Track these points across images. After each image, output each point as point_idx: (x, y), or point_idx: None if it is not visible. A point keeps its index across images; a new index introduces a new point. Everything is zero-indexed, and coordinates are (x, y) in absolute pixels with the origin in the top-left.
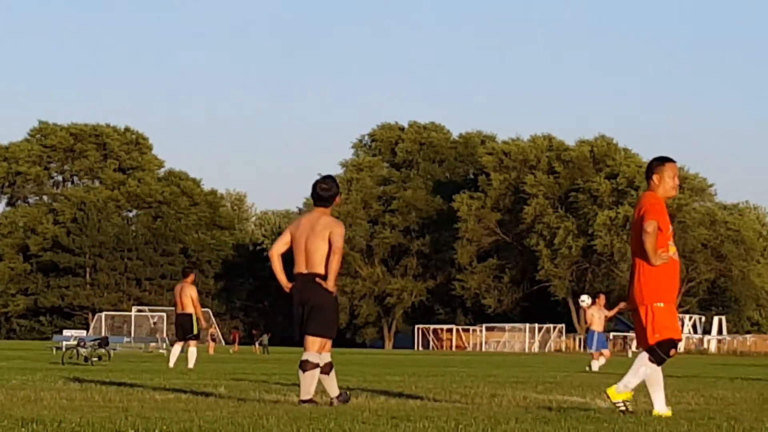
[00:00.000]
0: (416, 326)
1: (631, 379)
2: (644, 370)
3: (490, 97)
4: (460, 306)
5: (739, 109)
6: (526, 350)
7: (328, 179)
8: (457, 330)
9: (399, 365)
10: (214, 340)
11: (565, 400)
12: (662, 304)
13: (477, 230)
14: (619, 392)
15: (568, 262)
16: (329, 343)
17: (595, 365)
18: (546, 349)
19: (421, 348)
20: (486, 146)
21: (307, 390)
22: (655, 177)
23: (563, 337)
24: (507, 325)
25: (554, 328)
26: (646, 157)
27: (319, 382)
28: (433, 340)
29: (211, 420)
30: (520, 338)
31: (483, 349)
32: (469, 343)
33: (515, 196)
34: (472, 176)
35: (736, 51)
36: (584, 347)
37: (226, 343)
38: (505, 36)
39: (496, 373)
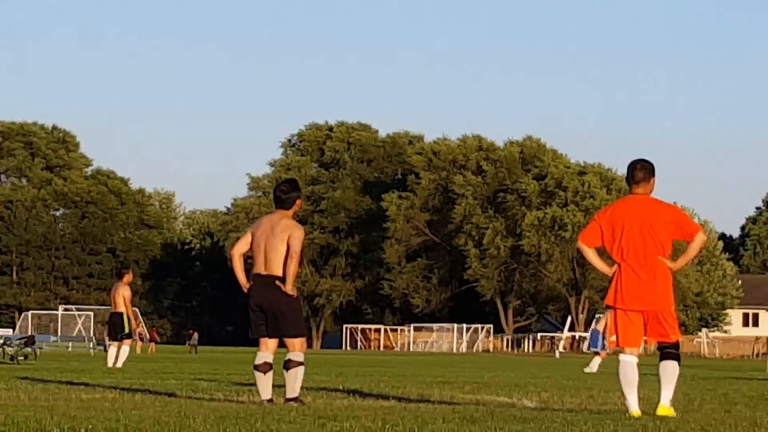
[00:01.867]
0: (344, 326)
1: (671, 390)
2: (677, 375)
3: (418, 97)
4: (388, 306)
5: (667, 110)
6: (454, 350)
7: (288, 182)
8: (385, 330)
9: (327, 365)
10: (141, 339)
11: (492, 400)
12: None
13: (406, 230)
14: (670, 406)
15: (496, 263)
16: (305, 340)
17: (596, 364)
18: (474, 349)
19: (349, 348)
20: (415, 146)
21: (292, 388)
22: (653, 181)
23: (491, 338)
24: (435, 325)
25: (482, 328)
26: (575, 158)
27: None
28: (361, 340)
29: (137, 419)
30: (448, 338)
31: (411, 349)
32: (397, 343)
33: (444, 196)
34: (400, 176)
35: (666, 50)
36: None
37: (151, 340)
38: (433, 35)
39: (423, 373)
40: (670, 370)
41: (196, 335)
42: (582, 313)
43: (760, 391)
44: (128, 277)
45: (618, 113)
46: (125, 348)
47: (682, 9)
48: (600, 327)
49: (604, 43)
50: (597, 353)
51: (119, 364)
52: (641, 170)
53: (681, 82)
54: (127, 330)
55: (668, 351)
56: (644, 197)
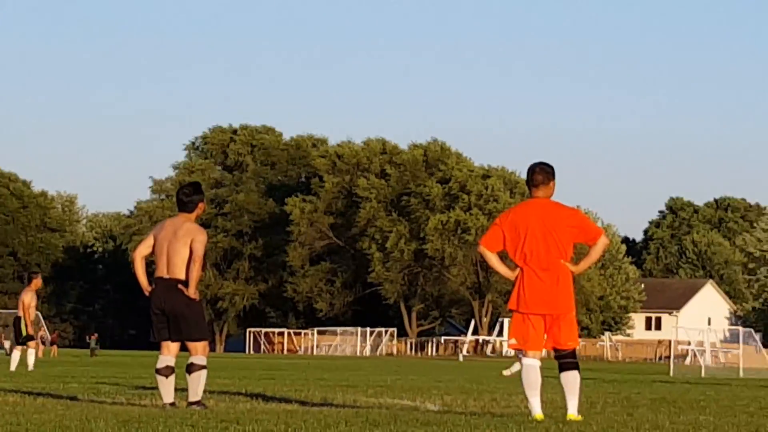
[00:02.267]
0: (248, 330)
1: (577, 399)
2: (580, 382)
3: (323, 100)
4: (292, 309)
5: (570, 112)
6: (358, 354)
7: (190, 186)
8: (289, 333)
9: (230, 369)
10: (44, 342)
11: (395, 403)
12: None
13: (309, 233)
14: (579, 414)
15: (399, 266)
16: (207, 344)
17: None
18: (377, 353)
19: (252, 351)
20: (319, 149)
21: (195, 391)
22: (553, 184)
23: (395, 341)
24: (339, 329)
25: (386, 331)
26: (479, 161)
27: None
28: (264, 344)
29: (38, 423)
30: (351, 342)
31: (315, 353)
32: (300, 347)
33: (348, 199)
34: (304, 179)
35: (567, 51)
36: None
37: (51, 344)
38: (336, 37)
39: (327, 377)
40: (572, 381)
41: (94, 338)
42: (485, 316)
43: (662, 394)
44: (36, 282)
45: (522, 116)
46: (31, 351)
47: (576, 8)
48: None
49: (506, 44)
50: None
51: (30, 367)
52: (541, 173)
53: (584, 84)
54: (24, 333)
55: (567, 361)
56: (546, 201)
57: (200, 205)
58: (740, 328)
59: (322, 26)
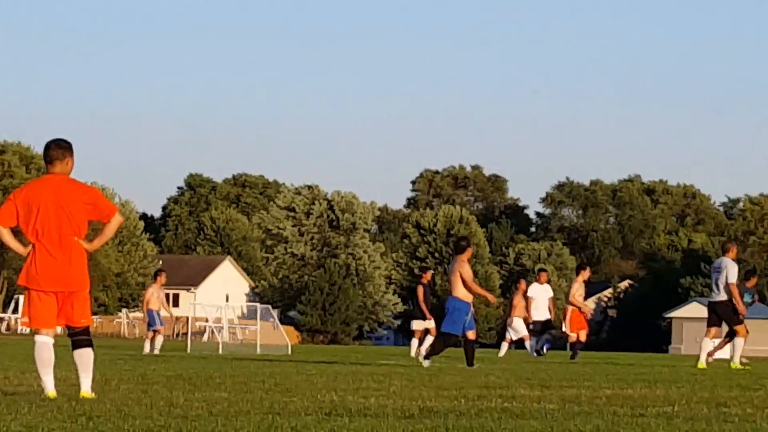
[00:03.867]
0: None
1: (91, 376)
2: (92, 360)
3: None
4: None
5: (83, 85)
6: None
7: None
8: None
9: None
10: None
11: None
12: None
13: None
14: (92, 392)
15: None
16: None
17: (148, 346)
18: None
19: None
20: None
21: None
22: (71, 160)
23: None
24: None
25: None
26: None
27: None
28: None
29: None
30: None
31: None
32: None
33: None
34: None
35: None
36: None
37: None
38: None
39: None
40: (85, 358)
41: None
42: (1, 293)
43: (178, 371)
44: None
45: (39, 91)
46: None
47: None
48: (154, 306)
49: (92, 16)
50: (156, 331)
51: None
52: (56, 149)
53: (160, 57)
54: None
55: (81, 338)
56: (61, 177)
57: None
58: (258, 305)
59: None
